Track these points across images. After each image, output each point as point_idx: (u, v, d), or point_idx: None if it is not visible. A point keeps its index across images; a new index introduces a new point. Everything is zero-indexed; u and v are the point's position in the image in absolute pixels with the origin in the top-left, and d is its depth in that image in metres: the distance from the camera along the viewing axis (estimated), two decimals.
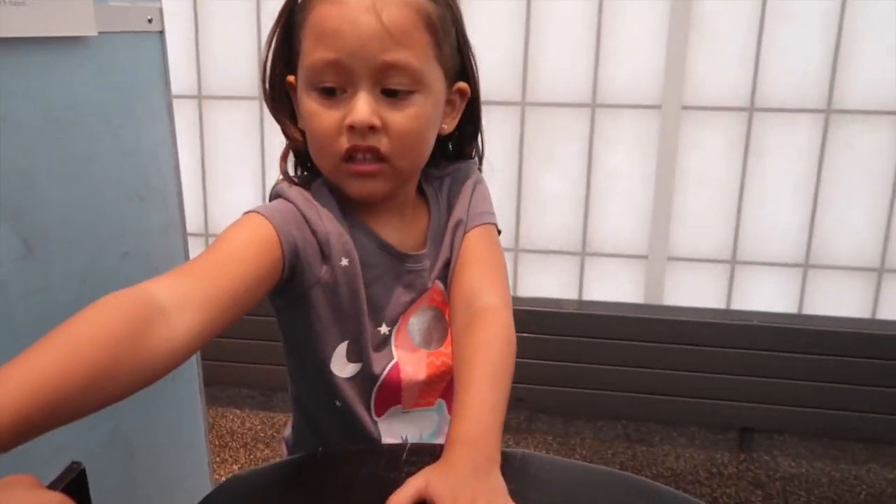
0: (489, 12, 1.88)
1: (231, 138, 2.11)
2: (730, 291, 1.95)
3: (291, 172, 0.75)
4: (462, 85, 0.72)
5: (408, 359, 0.74)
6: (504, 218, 2.01)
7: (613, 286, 2.00)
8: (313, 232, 0.67)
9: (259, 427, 2.01)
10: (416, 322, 0.75)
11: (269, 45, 0.71)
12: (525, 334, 1.90)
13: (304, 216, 0.67)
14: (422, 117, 0.66)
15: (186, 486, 1.15)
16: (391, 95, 0.64)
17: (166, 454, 1.10)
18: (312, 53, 0.64)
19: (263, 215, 0.65)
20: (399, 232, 0.73)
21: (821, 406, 1.83)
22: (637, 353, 1.88)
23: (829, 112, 1.81)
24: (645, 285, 1.98)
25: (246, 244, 0.62)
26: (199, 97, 2.08)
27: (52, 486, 0.52)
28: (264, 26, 2.01)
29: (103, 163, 0.92)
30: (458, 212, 0.75)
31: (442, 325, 0.76)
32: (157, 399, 1.06)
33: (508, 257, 2.03)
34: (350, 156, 0.66)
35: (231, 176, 2.13)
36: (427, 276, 0.74)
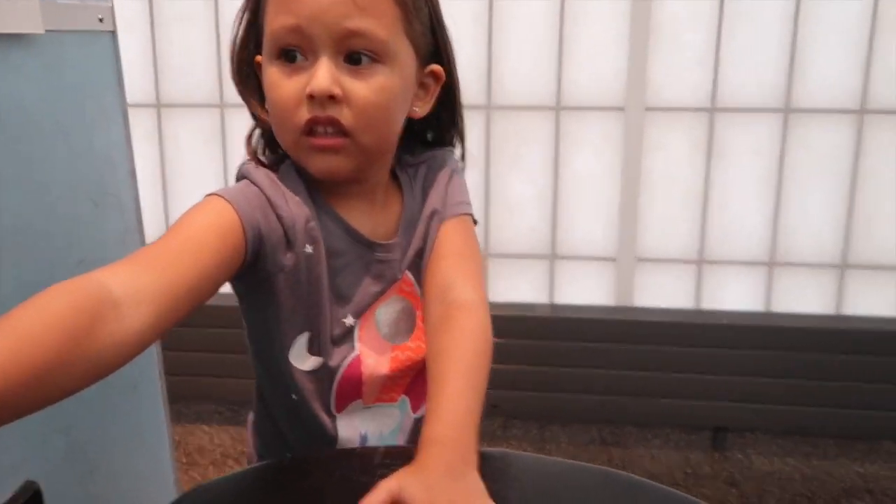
0: (451, 15, 1.87)
1: (191, 147, 2.06)
2: (698, 291, 1.97)
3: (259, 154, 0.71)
4: (435, 67, 0.69)
5: (371, 352, 0.71)
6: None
7: (584, 289, 2.00)
8: (278, 217, 0.64)
9: (229, 443, 1.96)
10: (384, 313, 0.72)
11: (238, 24, 0.68)
12: (498, 340, 1.88)
13: (269, 200, 0.64)
14: (387, 90, 0.63)
15: None
16: (355, 63, 0.62)
17: (129, 470, 1.05)
18: (274, 21, 0.62)
19: (226, 199, 0.61)
20: (369, 219, 0.70)
21: (791, 403, 1.85)
22: (610, 356, 1.88)
23: (787, 111, 1.84)
24: (615, 287, 1.98)
25: (206, 230, 0.59)
26: (158, 105, 2.03)
27: None
28: (223, 32, 1.97)
29: (55, 167, 0.88)
30: (434, 201, 0.73)
31: (410, 318, 0.74)
32: (117, 411, 1.01)
33: None
34: (311, 129, 0.62)
35: (192, 185, 2.07)
36: (397, 266, 0.71)
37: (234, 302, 0.73)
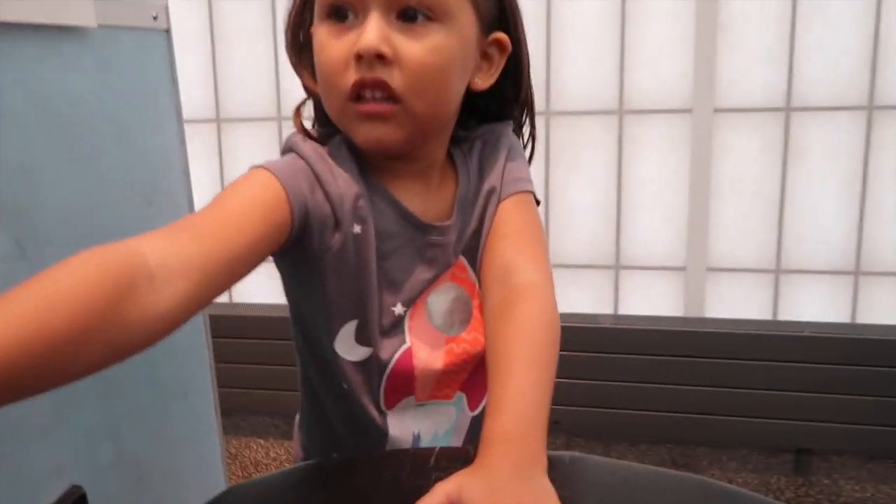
0: None
1: (251, 161, 2.07)
2: (776, 302, 1.84)
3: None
4: (500, 35, 0.64)
5: (423, 344, 0.66)
6: None
7: (651, 300, 1.90)
8: (326, 193, 0.59)
9: (284, 457, 1.93)
10: (436, 302, 0.67)
11: None
12: (560, 352, 1.80)
13: (316, 175, 0.59)
14: (443, 51, 0.58)
15: None
16: (409, 21, 0.57)
17: (179, 479, 1.02)
18: None
19: (272, 172, 0.57)
20: (423, 200, 0.65)
21: (884, 423, 1.69)
22: (680, 370, 1.77)
23: (871, 108, 1.71)
24: (685, 298, 1.87)
25: (250, 203, 0.55)
26: (218, 120, 2.06)
27: None
28: (281, 46, 1.98)
29: (108, 163, 0.87)
30: (492, 178, 0.67)
31: (465, 307, 0.68)
32: (168, 419, 0.98)
33: None
34: (358, 94, 0.58)
35: None
36: (452, 250, 0.66)
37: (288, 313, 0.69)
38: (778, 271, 1.83)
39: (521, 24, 0.66)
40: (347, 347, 0.64)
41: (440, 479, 0.46)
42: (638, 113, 1.83)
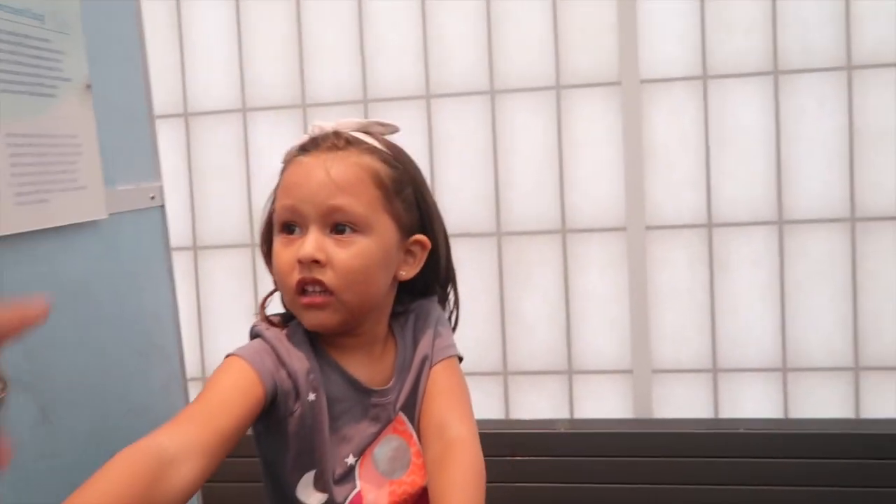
0: (459, 149, 2.05)
1: (225, 284, 2.21)
2: (716, 400, 2.00)
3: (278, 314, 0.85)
4: (419, 237, 0.82)
5: (371, 488, 0.80)
6: (490, 342, 2.09)
7: (603, 402, 2.05)
8: (287, 370, 0.76)
9: None
10: (381, 452, 0.81)
11: (265, 212, 0.84)
12: (520, 457, 1.92)
13: (278, 355, 0.76)
14: (364, 255, 0.76)
15: None
16: (339, 233, 0.75)
17: None
18: (279, 203, 0.78)
19: (245, 360, 0.73)
20: (367, 368, 0.81)
21: None
22: (631, 470, 1.90)
23: (781, 223, 1.95)
24: (633, 399, 2.03)
25: (232, 389, 0.71)
26: (195, 248, 2.21)
27: None
28: (253, 184, 2.17)
29: (109, 328, 1.01)
30: (424, 347, 0.84)
31: (405, 455, 0.83)
32: None
33: (498, 381, 2.08)
34: (302, 289, 0.75)
35: (226, 320, 2.21)
36: (392, 408, 0.82)
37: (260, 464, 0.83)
38: (715, 371, 2.00)
39: (439, 224, 0.85)
40: (307, 493, 0.78)
41: None
42: (578, 232, 2.04)
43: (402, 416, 0.83)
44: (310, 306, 0.76)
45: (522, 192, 2.06)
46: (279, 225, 0.79)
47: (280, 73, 2.15)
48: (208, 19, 2.18)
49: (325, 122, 0.82)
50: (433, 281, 0.88)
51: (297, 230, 0.77)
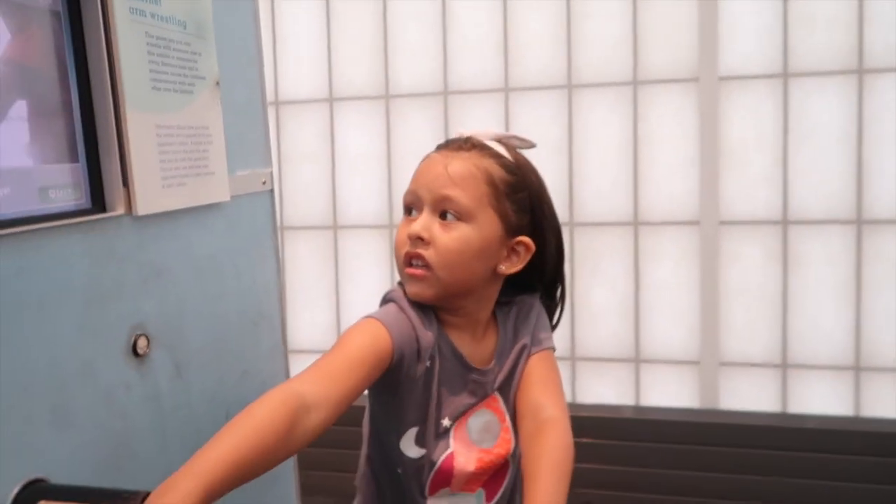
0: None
1: (308, 264, 2.36)
2: (784, 395, 2.02)
3: None
4: (525, 239, 0.89)
5: (462, 451, 0.89)
6: (560, 329, 2.15)
7: (669, 392, 2.09)
8: (418, 339, 0.85)
9: None
10: (474, 422, 0.91)
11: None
12: (586, 440, 1.99)
13: (413, 325, 0.85)
14: (462, 241, 0.85)
15: None
16: (444, 218, 0.86)
17: None
18: (407, 189, 0.90)
19: (383, 323, 0.83)
20: (471, 347, 0.91)
21: None
22: (697, 458, 1.94)
23: (859, 223, 1.94)
24: (700, 390, 2.07)
25: (366, 348, 0.80)
26: (282, 228, 2.36)
27: None
28: (338, 170, 2.30)
29: (230, 299, 1.13)
30: (523, 337, 0.93)
31: (495, 428, 0.92)
32: (259, 499, 1.21)
33: (565, 366, 2.15)
34: (409, 261, 0.86)
35: (308, 298, 2.36)
36: (489, 386, 0.91)
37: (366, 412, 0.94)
38: (785, 366, 2.02)
39: (552, 233, 0.92)
40: (408, 446, 0.88)
41: None
42: (651, 225, 2.08)
43: (498, 395, 0.92)
44: (412, 276, 0.86)
45: (596, 185, 2.11)
46: (404, 207, 0.90)
47: (365, 66, 2.27)
48: (300, 15, 2.31)
49: (468, 129, 0.93)
50: (537, 281, 0.96)
51: (415, 211, 0.88)
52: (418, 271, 0.85)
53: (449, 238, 0.85)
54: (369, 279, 2.28)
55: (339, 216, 2.31)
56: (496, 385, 0.91)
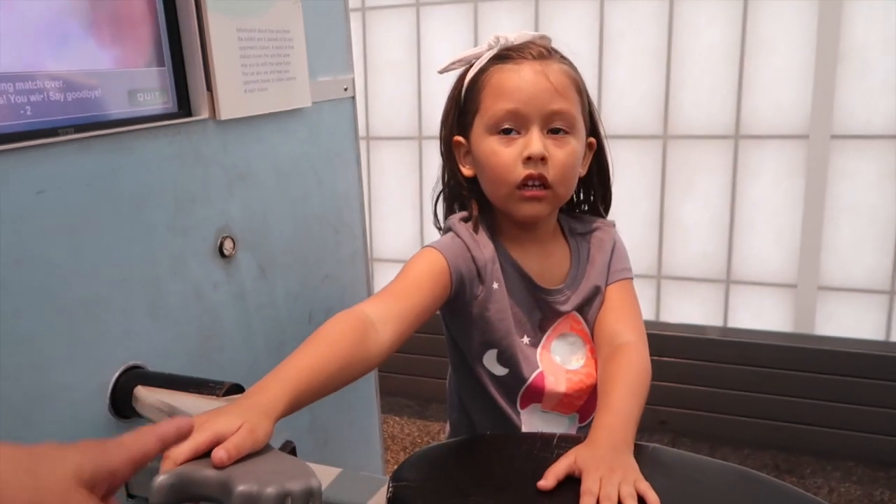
0: (630, 49, 2.00)
1: (393, 174, 2.37)
2: (889, 323, 1.90)
3: (440, 212, 0.96)
4: (591, 139, 0.90)
5: (551, 371, 0.89)
6: (646, 247, 2.09)
7: (761, 315, 2.01)
8: (474, 260, 0.85)
9: (416, 434, 2.22)
10: (558, 345, 0.91)
11: (447, 118, 0.91)
12: (668, 358, 1.96)
13: (468, 248, 0.85)
14: (575, 154, 0.84)
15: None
16: (555, 133, 0.83)
17: (351, 444, 1.31)
18: (494, 106, 0.84)
19: (439, 251, 0.84)
20: (539, 265, 0.89)
21: None
22: (787, 383, 1.88)
23: None
24: (794, 315, 1.97)
25: (426, 273, 0.82)
26: (368, 138, 2.37)
27: None
28: (424, 79, 2.25)
29: (312, 203, 1.16)
30: (600, 264, 0.91)
31: (580, 350, 0.91)
32: (346, 400, 1.27)
33: (651, 284, 2.10)
34: (524, 183, 0.83)
35: (393, 207, 2.38)
36: (559, 306, 0.89)
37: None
38: (893, 293, 1.88)
39: (602, 130, 0.92)
40: (491, 364, 0.89)
41: (560, 454, 0.69)
42: (754, 138, 1.94)
43: (578, 316, 0.91)
44: (531, 199, 0.84)
45: (695, 94, 1.98)
46: (495, 126, 0.84)
47: None
48: None
49: (508, 33, 0.87)
50: (604, 180, 0.94)
51: (514, 132, 0.83)
52: (538, 192, 0.83)
53: (564, 154, 0.83)
54: None
55: (424, 127, 2.29)
56: (569, 306, 0.90)
